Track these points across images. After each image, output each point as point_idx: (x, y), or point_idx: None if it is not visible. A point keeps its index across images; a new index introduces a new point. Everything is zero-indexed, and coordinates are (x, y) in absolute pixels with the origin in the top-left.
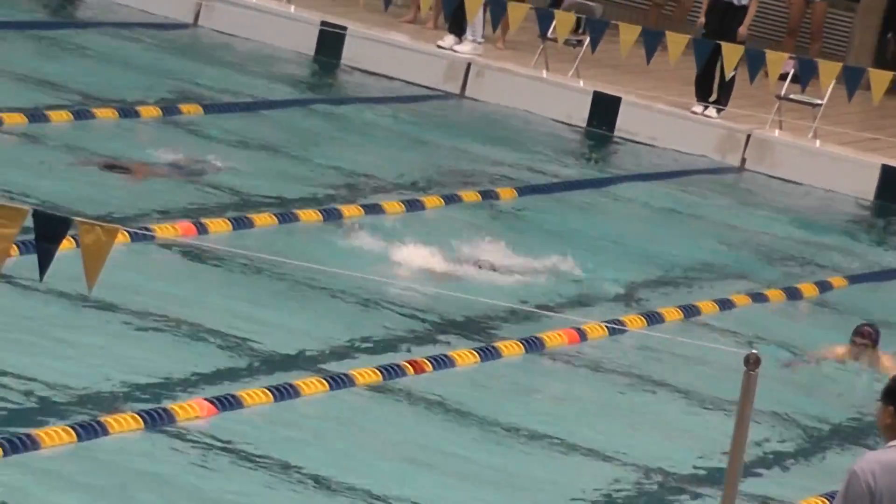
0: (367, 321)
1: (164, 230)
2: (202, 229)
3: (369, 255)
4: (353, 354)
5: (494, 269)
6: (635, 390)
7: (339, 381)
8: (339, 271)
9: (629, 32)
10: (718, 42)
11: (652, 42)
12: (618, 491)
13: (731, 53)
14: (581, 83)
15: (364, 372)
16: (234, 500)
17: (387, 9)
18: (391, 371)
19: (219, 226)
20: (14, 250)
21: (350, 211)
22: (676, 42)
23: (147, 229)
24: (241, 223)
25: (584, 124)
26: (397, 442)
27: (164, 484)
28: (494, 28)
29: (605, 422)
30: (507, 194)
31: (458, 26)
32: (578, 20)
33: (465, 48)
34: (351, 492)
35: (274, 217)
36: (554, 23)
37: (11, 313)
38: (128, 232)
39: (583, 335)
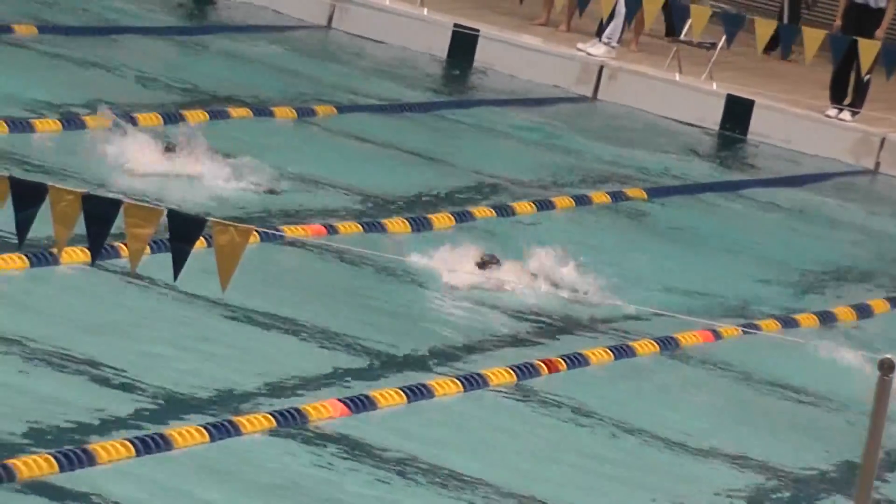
0: (498, 321)
1: (295, 231)
2: (332, 230)
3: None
4: (486, 354)
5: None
6: (769, 394)
7: (472, 382)
8: (468, 273)
9: (765, 27)
10: (855, 38)
11: (788, 37)
12: (751, 495)
13: (868, 52)
14: (714, 86)
15: (498, 372)
16: (366, 501)
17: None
18: (525, 371)
19: (349, 228)
20: (146, 250)
21: (481, 212)
22: (813, 38)
23: (278, 230)
24: (372, 227)
25: (716, 127)
26: (532, 442)
27: (296, 484)
28: (630, 21)
29: (738, 424)
30: (637, 195)
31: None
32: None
33: (598, 51)
34: (486, 490)
35: (406, 223)
36: (688, 23)
37: (145, 313)
38: (259, 233)
39: (717, 336)
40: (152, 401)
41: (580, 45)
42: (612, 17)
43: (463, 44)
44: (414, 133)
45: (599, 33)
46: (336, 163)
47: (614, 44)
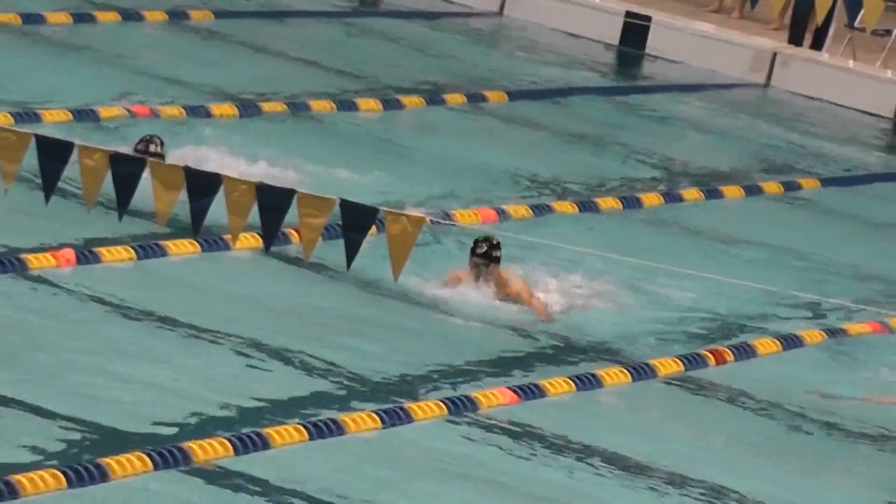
0: (667, 310)
1: (464, 217)
2: (503, 216)
3: (667, 243)
4: (654, 344)
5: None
6: None
7: (641, 372)
8: (638, 260)
9: None
10: None
11: None
12: None
13: None
14: (889, 73)
15: (665, 362)
16: (536, 487)
17: None
18: (692, 361)
19: (518, 212)
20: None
21: (649, 199)
22: None
23: (449, 217)
24: (540, 210)
25: (891, 115)
26: (699, 431)
27: (467, 470)
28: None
29: None
30: (809, 185)
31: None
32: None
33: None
34: (657, 479)
35: (574, 205)
36: (861, 12)
37: (314, 302)
38: (431, 221)
39: (888, 328)
40: (326, 387)
41: None
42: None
43: (635, 31)
44: (584, 120)
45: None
46: (506, 149)
47: None
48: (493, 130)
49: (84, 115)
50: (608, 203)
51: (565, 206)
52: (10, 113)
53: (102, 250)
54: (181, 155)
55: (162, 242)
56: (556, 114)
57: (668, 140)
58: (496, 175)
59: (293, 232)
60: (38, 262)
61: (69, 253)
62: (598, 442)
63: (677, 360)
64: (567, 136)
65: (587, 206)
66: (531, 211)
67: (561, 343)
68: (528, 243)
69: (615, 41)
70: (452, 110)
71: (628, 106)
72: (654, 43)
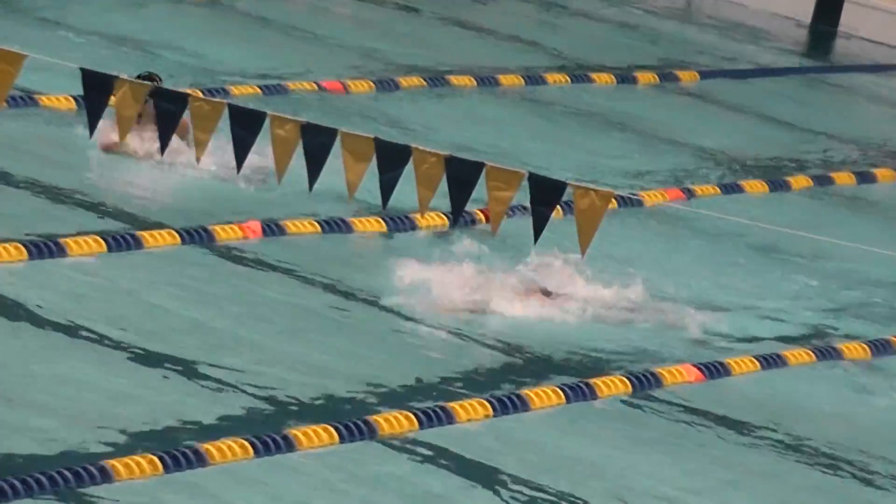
0: (848, 295)
1: (654, 196)
2: (689, 194)
3: (862, 227)
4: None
5: None
6: None
7: (826, 354)
8: (827, 239)
9: None
10: None
11: None
12: None
13: None
14: None
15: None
16: (731, 467)
17: None
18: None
19: (706, 191)
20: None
21: (841, 178)
22: None
23: (634, 194)
24: (729, 189)
25: None
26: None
27: (654, 445)
28: None
29: None
30: None
31: None
32: None
33: None
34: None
35: (764, 184)
36: None
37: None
38: (616, 197)
39: None
40: (511, 359)
41: None
42: None
43: (828, 8)
44: (775, 98)
45: None
46: (696, 126)
47: None
48: (684, 108)
49: (273, 89)
50: (799, 182)
51: (755, 186)
52: (201, 89)
53: (288, 223)
54: (371, 128)
55: (348, 219)
56: (747, 92)
57: (860, 120)
58: (687, 153)
59: (479, 212)
60: (226, 234)
61: (255, 225)
62: (788, 425)
63: (864, 346)
64: (757, 114)
65: (776, 185)
66: (719, 189)
67: (751, 323)
68: (716, 223)
69: (808, 18)
70: (643, 88)
71: (820, 85)
72: (847, 20)
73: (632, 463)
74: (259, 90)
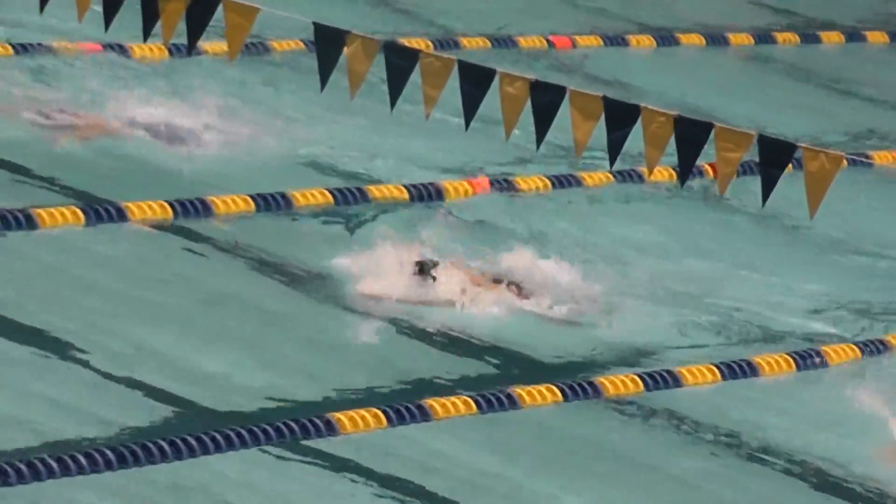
0: None
1: (885, 157)
2: None
3: None
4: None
5: None
6: None
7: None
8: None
9: None
10: None
11: None
12: None
13: None
14: None
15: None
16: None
17: None
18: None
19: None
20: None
21: None
22: None
23: (867, 156)
24: None
25: None
26: None
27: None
28: None
29: None
30: None
31: None
32: None
33: None
34: None
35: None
36: None
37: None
38: (847, 158)
39: None
40: (743, 333)
41: None
42: None
43: None
44: None
45: None
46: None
47: None
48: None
49: (503, 42)
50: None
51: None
52: (431, 40)
53: (518, 180)
54: (596, 88)
55: (578, 173)
56: None
57: None
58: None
59: (707, 166)
60: (456, 192)
61: (484, 181)
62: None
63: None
64: None
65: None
66: None
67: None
68: None
69: None
70: (874, 50)
71: None
72: None
73: None
74: (489, 43)
